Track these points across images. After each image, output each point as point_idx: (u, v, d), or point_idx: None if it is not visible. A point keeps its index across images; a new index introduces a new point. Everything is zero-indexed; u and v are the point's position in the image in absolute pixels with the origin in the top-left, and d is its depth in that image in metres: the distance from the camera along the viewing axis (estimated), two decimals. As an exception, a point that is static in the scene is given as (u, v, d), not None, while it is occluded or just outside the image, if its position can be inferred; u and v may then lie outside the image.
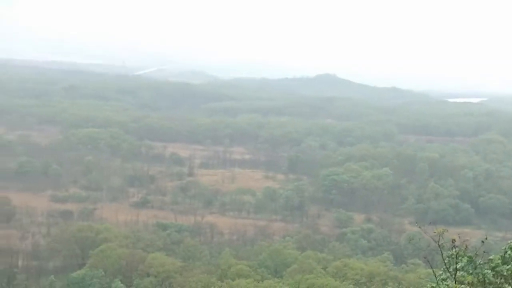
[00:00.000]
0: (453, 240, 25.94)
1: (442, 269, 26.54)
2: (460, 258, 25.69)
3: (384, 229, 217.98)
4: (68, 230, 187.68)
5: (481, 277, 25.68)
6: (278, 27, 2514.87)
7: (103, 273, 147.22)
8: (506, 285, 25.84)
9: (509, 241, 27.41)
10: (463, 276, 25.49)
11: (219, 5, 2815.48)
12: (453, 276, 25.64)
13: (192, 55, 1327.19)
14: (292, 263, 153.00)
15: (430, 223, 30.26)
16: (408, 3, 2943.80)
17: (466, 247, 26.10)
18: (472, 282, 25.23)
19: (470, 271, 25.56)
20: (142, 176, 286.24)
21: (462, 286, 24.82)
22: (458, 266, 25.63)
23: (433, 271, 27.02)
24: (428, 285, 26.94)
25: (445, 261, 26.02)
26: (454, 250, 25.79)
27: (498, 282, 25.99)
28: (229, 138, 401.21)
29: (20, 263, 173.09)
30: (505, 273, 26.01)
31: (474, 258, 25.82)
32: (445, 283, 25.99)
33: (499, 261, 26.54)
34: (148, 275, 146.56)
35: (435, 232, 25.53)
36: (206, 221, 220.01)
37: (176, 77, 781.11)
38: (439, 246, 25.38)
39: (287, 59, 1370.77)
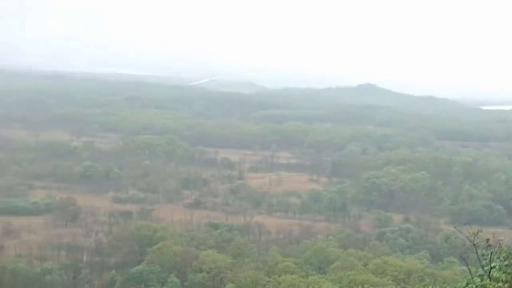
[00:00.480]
0: (487, 240, 25.22)
1: (480, 266, 25.83)
2: (495, 256, 24.98)
3: (421, 229, 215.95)
4: (128, 229, 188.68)
5: (513, 275, 24.93)
6: (321, 40, 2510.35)
7: (159, 268, 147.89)
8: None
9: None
10: (497, 274, 24.76)
11: (266, 20, 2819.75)
12: (488, 273, 24.94)
13: (241, 66, 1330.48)
14: (335, 260, 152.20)
15: (465, 223, 29.55)
16: (442, 16, 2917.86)
17: (501, 246, 25.36)
18: (506, 280, 24.50)
19: (505, 270, 24.80)
20: (196, 179, 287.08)
21: (499, 284, 24.09)
22: (493, 265, 24.93)
23: (469, 269, 26.31)
24: (464, 281, 26.29)
25: (480, 259, 25.34)
26: (488, 249, 25.10)
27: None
28: (276, 143, 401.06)
29: (84, 258, 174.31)
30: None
31: (509, 257, 25.08)
32: (478, 279, 25.32)
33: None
34: (201, 271, 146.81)
35: (470, 232, 24.87)
36: (254, 221, 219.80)
37: (227, 88, 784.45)
38: (474, 245, 24.70)
39: (330, 69, 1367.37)
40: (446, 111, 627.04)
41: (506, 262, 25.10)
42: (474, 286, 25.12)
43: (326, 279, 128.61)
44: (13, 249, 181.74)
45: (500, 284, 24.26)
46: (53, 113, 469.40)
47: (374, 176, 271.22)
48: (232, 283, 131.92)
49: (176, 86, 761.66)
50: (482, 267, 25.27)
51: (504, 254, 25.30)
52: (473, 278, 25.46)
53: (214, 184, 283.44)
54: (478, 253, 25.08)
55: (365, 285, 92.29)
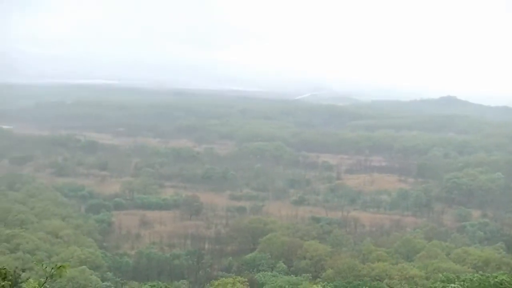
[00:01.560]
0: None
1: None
2: None
3: (498, 223, 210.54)
4: (242, 222, 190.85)
5: None
6: (409, 56, 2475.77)
7: (269, 256, 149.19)
8: None
9: None
10: None
11: (358, 41, 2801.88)
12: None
13: (338, 82, 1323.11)
14: (421, 250, 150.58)
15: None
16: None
17: None
18: None
19: None
20: (300, 179, 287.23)
21: None
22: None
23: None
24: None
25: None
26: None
27: None
28: (369, 149, 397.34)
29: (206, 246, 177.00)
30: None
31: None
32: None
33: None
34: (304, 258, 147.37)
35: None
36: (351, 215, 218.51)
37: (326, 101, 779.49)
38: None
39: (415, 83, 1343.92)
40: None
41: None
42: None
43: (413, 266, 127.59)
44: (148, 238, 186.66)
45: None
46: (179, 124, 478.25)
47: (455, 177, 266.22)
48: (331, 269, 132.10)
49: (282, 100, 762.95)
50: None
51: None
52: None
53: (315, 184, 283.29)
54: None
55: (447, 272, 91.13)
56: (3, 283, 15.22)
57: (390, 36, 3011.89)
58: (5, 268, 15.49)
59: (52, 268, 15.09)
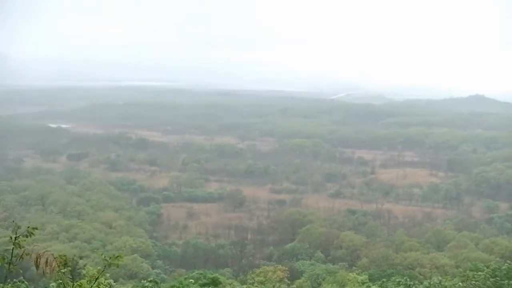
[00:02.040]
0: None
1: None
2: None
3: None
4: (283, 213, 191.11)
5: None
6: (438, 58, 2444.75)
7: (308, 245, 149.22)
8: None
9: None
10: None
11: (390, 43, 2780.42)
12: None
13: (372, 82, 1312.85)
14: (451, 241, 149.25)
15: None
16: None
17: None
18: None
19: None
20: (336, 174, 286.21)
21: None
22: None
23: None
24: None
25: None
26: None
27: None
28: (401, 145, 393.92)
29: (249, 236, 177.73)
30: None
31: None
32: None
33: None
34: (341, 248, 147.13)
35: None
36: (384, 208, 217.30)
37: (361, 100, 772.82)
38: None
39: (445, 83, 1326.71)
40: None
41: None
42: None
43: (443, 256, 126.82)
44: (194, 228, 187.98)
45: None
46: (223, 122, 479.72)
47: (484, 171, 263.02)
48: (366, 258, 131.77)
49: (319, 100, 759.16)
50: None
51: None
52: None
53: (351, 178, 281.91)
54: None
55: (476, 262, 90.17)
56: (64, 269, 15.71)
57: (421, 37, 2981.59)
58: (65, 256, 16.04)
59: (110, 258, 15.57)
